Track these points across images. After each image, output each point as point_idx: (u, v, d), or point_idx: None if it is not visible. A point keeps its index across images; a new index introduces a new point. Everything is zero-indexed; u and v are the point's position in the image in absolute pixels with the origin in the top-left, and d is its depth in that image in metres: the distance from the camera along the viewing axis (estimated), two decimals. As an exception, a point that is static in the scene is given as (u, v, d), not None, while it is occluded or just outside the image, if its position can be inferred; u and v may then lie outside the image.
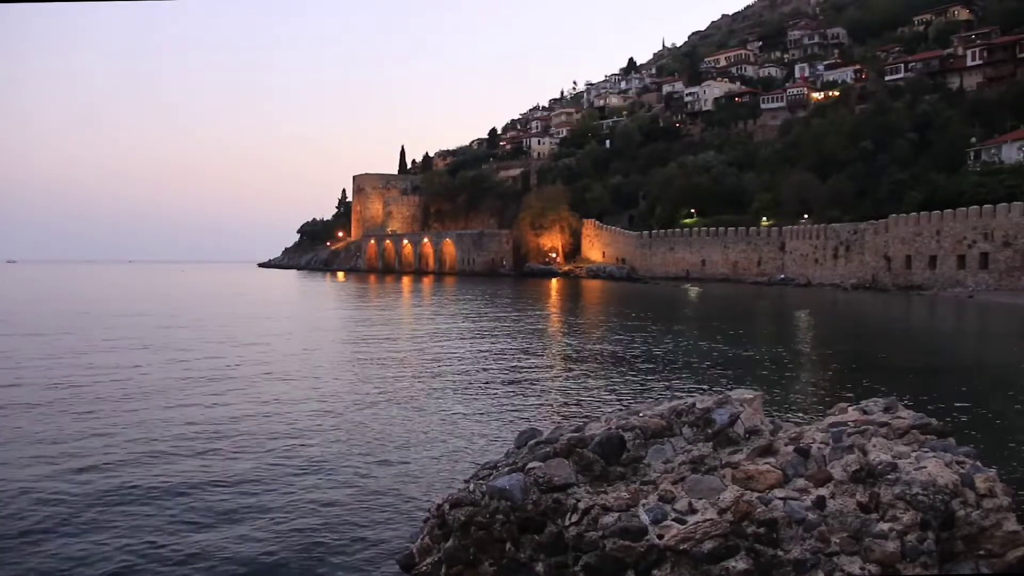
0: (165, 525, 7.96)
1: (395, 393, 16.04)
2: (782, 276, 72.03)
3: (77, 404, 14.43)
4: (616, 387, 16.68)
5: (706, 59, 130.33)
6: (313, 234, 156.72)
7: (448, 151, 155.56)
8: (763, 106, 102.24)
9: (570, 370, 19.58)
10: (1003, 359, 22.14)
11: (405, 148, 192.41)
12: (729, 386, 14.37)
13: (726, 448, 5.59)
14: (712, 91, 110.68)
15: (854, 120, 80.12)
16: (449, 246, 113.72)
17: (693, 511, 5.10)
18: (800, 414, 12.76)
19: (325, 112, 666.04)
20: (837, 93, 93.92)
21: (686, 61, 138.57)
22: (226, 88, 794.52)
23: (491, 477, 5.83)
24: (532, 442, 6.14)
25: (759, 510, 4.97)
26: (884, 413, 5.89)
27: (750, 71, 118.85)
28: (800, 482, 5.17)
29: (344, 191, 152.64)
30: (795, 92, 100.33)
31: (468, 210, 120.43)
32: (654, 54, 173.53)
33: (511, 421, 13.09)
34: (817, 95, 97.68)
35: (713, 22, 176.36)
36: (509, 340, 26.52)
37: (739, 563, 4.88)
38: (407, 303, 52.92)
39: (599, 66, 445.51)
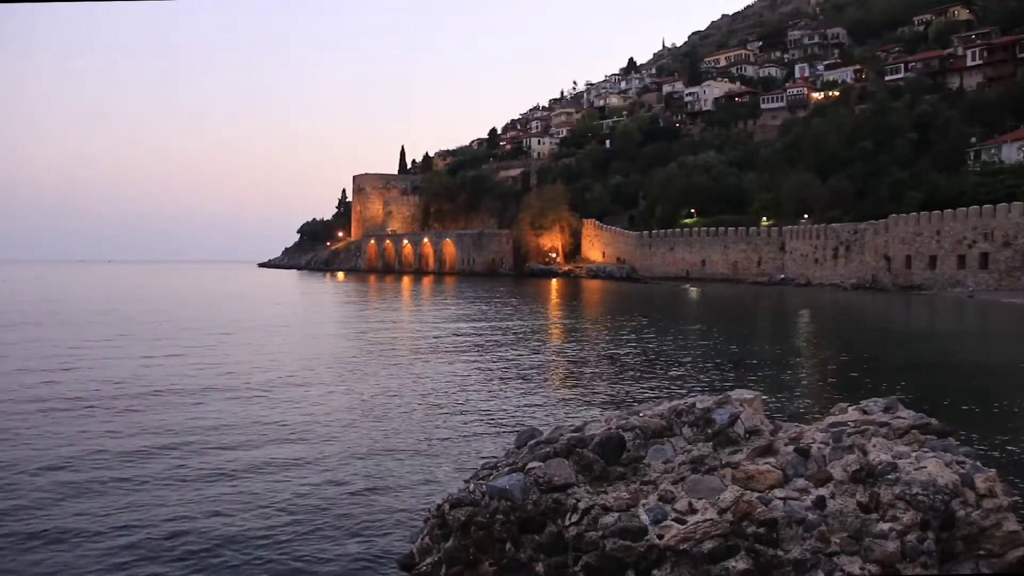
0: (163, 524, 7.96)
1: (394, 393, 16.04)
2: (782, 276, 72.01)
3: (76, 405, 14.43)
4: (616, 387, 16.67)
5: (706, 59, 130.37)
6: (313, 234, 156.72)
7: (448, 151, 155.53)
8: (763, 106, 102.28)
9: (570, 370, 19.58)
10: (1003, 359, 22.13)
11: (405, 148, 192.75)
12: (729, 386, 14.37)
13: (726, 448, 5.59)
14: (712, 91, 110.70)
15: (854, 120, 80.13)
16: (449, 246, 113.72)
17: (693, 511, 5.10)
18: (800, 414, 12.75)
19: (325, 112, 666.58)
20: (837, 93, 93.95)
21: (686, 61, 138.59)
22: (225, 88, 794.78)
23: (491, 477, 5.83)
24: (532, 442, 6.14)
25: (759, 510, 4.97)
26: (884, 413, 5.89)
27: (750, 71, 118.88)
28: (800, 482, 5.17)
29: (344, 191, 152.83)
30: (795, 92, 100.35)
31: (468, 210, 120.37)
32: (654, 54, 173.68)
33: (511, 421, 13.08)
34: (817, 95, 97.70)
35: (713, 22, 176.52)
36: (509, 340, 26.51)
37: (739, 563, 4.88)
38: (407, 303, 52.92)
39: (599, 66, 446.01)
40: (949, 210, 55.52)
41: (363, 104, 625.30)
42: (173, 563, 7.05)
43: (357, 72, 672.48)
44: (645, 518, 5.12)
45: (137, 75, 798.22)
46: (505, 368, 19.68)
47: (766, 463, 5.30)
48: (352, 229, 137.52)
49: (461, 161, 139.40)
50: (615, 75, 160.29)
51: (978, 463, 5.18)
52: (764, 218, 79.14)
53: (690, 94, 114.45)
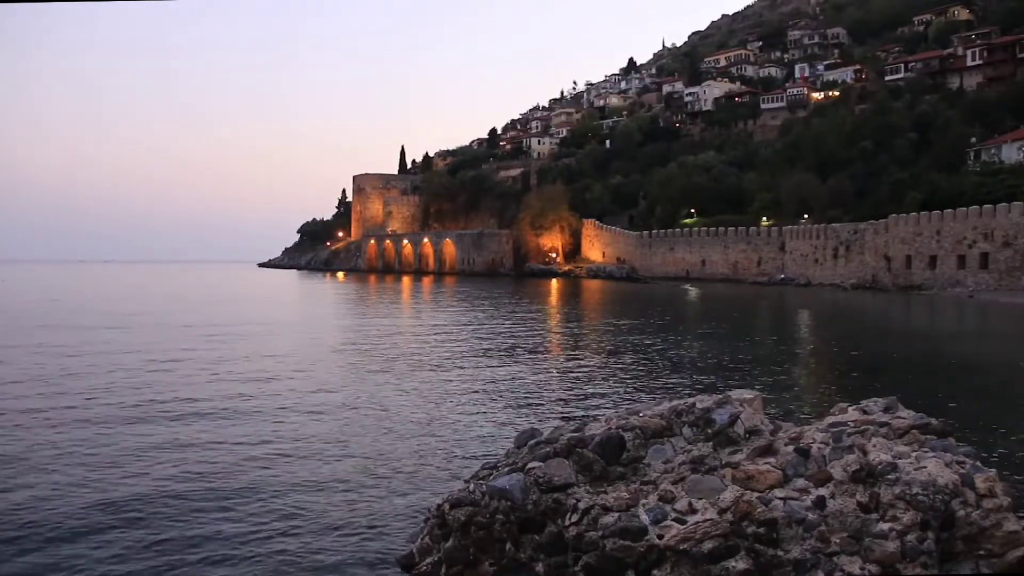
0: (164, 526, 7.96)
1: (394, 393, 16.04)
2: (782, 276, 71.99)
3: (74, 407, 14.43)
4: (616, 387, 16.68)
5: (706, 59, 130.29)
6: (313, 234, 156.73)
7: (448, 151, 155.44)
8: (763, 106, 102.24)
9: (570, 370, 19.57)
10: (1003, 359, 22.11)
11: (405, 148, 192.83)
12: (729, 386, 14.36)
13: (726, 448, 5.58)
14: (712, 91, 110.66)
15: (854, 120, 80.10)
16: (449, 246, 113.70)
17: (693, 511, 5.09)
18: (800, 414, 12.75)
19: (325, 112, 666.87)
20: (837, 93, 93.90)
21: (686, 61, 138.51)
22: (226, 88, 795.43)
23: (491, 477, 5.82)
24: (532, 442, 6.14)
25: (759, 510, 4.97)
26: (884, 413, 5.88)
27: (750, 71, 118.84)
28: (800, 482, 5.16)
29: (344, 191, 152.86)
30: (795, 92, 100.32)
31: (468, 210, 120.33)
32: (654, 54, 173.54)
33: (511, 421, 13.08)
34: (817, 95, 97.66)
35: (713, 22, 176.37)
36: (509, 340, 26.51)
37: (739, 563, 4.87)
38: (407, 303, 52.91)
39: (599, 66, 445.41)
40: (949, 210, 55.49)
41: (363, 104, 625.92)
42: (171, 562, 7.05)
43: (357, 72, 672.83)
44: (645, 518, 5.12)
45: (137, 75, 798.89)
46: (505, 368, 19.68)
47: (766, 463, 5.29)
48: (352, 229, 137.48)
49: (461, 161, 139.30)
50: (615, 75, 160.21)
51: (978, 463, 5.18)
52: (764, 218, 79.13)
53: (690, 94, 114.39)
